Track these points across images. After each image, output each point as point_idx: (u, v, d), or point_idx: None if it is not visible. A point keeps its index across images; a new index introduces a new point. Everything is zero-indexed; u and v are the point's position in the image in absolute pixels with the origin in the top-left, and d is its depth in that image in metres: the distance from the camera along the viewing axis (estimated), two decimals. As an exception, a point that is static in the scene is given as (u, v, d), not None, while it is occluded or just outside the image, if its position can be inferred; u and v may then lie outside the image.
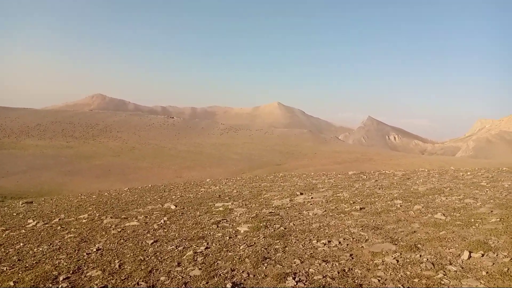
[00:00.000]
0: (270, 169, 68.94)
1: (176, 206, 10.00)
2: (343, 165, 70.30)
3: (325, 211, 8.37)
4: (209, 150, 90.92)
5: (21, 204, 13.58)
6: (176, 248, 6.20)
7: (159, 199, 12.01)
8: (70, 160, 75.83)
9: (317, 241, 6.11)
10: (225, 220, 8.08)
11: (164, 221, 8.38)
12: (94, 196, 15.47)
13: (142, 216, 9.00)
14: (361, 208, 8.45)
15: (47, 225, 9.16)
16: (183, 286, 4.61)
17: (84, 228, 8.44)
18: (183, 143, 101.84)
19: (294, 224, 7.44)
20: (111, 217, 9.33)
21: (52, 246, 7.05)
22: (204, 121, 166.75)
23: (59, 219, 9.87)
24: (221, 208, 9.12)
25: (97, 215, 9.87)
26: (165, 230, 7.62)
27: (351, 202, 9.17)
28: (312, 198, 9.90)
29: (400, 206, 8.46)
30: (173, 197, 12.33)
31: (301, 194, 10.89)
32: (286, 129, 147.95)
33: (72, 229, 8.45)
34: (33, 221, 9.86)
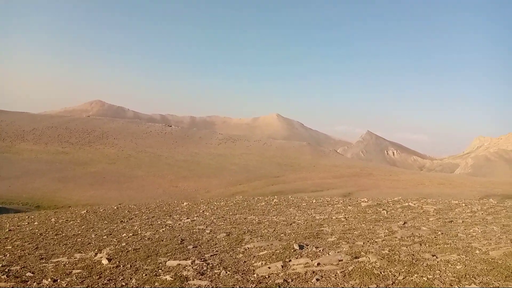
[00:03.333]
0: (268, 181, 68.48)
1: (109, 261, 6.47)
2: (342, 179, 69.89)
3: None
4: (206, 160, 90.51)
5: None
6: None
7: (104, 237, 9.01)
8: (65, 166, 75.05)
9: None
10: None
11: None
12: (36, 223, 12.75)
13: (49, 280, 5.61)
14: None
15: None
16: None
17: None
18: (180, 152, 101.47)
19: None
20: (6, 275, 6.02)
21: None
22: (203, 130, 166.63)
23: None
24: (169, 277, 5.39)
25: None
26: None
27: (388, 278, 5.00)
28: (318, 264, 5.72)
29: None
30: (123, 235, 9.06)
31: (300, 248, 6.79)
32: (284, 141, 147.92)
33: None
34: None
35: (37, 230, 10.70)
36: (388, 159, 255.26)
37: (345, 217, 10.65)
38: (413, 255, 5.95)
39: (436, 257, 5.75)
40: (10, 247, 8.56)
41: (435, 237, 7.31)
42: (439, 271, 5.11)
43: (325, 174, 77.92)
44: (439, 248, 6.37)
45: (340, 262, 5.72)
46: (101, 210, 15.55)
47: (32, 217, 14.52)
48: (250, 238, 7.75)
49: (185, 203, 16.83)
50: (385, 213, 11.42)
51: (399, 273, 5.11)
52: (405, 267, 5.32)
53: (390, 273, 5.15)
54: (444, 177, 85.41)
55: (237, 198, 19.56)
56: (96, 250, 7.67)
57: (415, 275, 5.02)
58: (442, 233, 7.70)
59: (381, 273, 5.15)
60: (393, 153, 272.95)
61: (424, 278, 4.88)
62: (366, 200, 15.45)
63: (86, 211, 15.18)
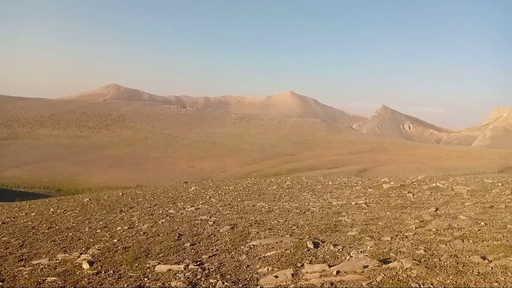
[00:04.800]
0: (283, 159, 67.75)
1: (91, 265, 5.57)
2: (358, 155, 68.59)
3: None
4: (222, 140, 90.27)
5: None
6: None
7: (98, 231, 8.07)
8: (84, 150, 76.14)
9: None
10: None
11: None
12: (33, 214, 11.86)
13: None
14: None
15: None
16: None
17: None
18: (195, 132, 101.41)
19: None
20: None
21: None
22: (217, 110, 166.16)
23: None
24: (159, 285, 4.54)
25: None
26: None
27: None
28: (337, 273, 4.39)
29: None
30: (118, 228, 8.04)
31: (315, 246, 5.58)
32: (299, 119, 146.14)
33: None
34: None
35: (30, 223, 9.98)
36: (404, 133, 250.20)
37: (366, 203, 9.29)
38: (457, 256, 4.58)
39: (488, 260, 4.34)
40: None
41: (478, 229, 5.85)
42: (497, 283, 3.71)
43: (341, 150, 76.68)
44: (487, 246, 4.93)
45: (365, 270, 4.42)
46: (105, 197, 14.79)
47: (33, 206, 13.84)
48: (257, 232, 6.65)
49: (192, 188, 15.86)
50: (411, 196, 9.92)
51: (445, 286, 3.78)
52: (451, 277, 3.97)
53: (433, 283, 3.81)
54: (462, 150, 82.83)
55: (248, 181, 18.34)
56: (83, 248, 6.84)
57: (462, 280, 3.77)
58: (486, 224, 6.25)
59: (420, 286, 3.80)
60: (409, 127, 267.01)
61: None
62: (387, 181, 13.78)
63: (89, 199, 14.43)
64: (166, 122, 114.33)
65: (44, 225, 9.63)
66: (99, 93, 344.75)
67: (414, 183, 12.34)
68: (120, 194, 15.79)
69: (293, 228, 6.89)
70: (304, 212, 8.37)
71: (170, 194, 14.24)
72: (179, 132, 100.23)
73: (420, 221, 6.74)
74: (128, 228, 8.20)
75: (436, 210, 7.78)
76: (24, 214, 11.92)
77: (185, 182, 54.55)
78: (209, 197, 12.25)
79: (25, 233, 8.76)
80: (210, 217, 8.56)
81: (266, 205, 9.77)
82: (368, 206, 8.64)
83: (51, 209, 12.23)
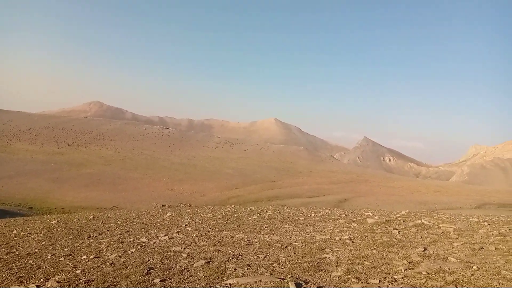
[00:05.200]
0: (264, 186, 67.10)
1: None
2: (338, 185, 68.76)
3: None
4: (203, 163, 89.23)
5: None
6: None
7: (61, 259, 7.25)
8: (60, 167, 73.71)
9: None
10: None
11: None
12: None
13: None
14: None
15: None
16: None
17: None
18: (176, 154, 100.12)
19: None
20: None
21: None
22: (200, 133, 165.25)
23: None
24: None
25: None
26: None
27: None
28: None
29: None
30: (83, 257, 7.24)
31: None
32: (282, 146, 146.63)
33: None
34: None
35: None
36: (384, 165, 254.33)
37: (350, 238, 8.87)
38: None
39: None
40: None
41: (472, 274, 5.52)
42: None
43: (322, 179, 76.87)
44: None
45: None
46: (75, 220, 13.80)
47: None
48: (235, 269, 6.08)
49: (168, 214, 15.01)
50: (397, 233, 9.49)
51: None
52: None
53: None
54: (440, 184, 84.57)
55: (227, 208, 17.57)
56: (41, 280, 6.12)
57: None
58: (478, 268, 5.92)
59: None
60: (390, 159, 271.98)
61: None
62: (371, 215, 13.32)
63: (57, 221, 13.44)
64: (147, 143, 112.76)
65: (4, 249, 8.78)
66: (81, 110, 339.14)
67: (399, 218, 11.96)
68: (91, 217, 14.85)
69: (273, 265, 6.34)
70: (286, 247, 7.83)
71: (144, 219, 13.39)
72: (159, 153, 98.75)
73: (409, 262, 6.34)
74: (94, 257, 7.48)
75: (424, 250, 7.37)
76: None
77: (162, 206, 53.14)
78: (185, 225, 11.50)
79: None
80: (184, 248, 7.91)
81: (246, 237, 9.15)
82: (353, 242, 8.19)
83: (15, 231, 11.28)
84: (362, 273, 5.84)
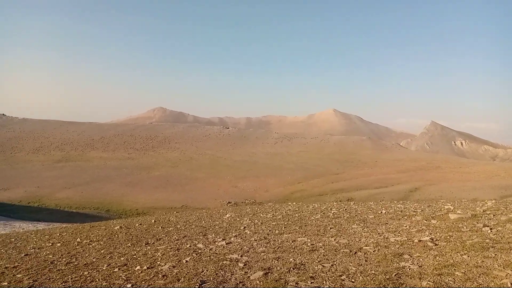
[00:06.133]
0: (327, 179, 65.27)
1: None
2: (407, 174, 64.69)
3: None
4: (264, 160, 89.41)
5: None
6: None
7: (115, 270, 6.96)
8: (131, 171, 78.43)
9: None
10: None
11: None
12: (58, 244, 10.94)
13: None
14: None
15: None
16: None
17: None
18: (238, 153, 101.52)
19: None
20: None
21: None
22: (259, 130, 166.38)
23: None
24: None
25: None
26: None
27: None
28: None
29: None
30: (137, 268, 6.84)
31: None
32: (343, 137, 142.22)
33: None
34: None
35: (51, 256, 9.15)
36: (456, 150, 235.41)
37: (432, 239, 7.44)
38: None
39: None
40: (6, 284, 7.07)
41: None
42: None
43: (388, 169, 72.90)
44: None
45: None
46: (137, 225, 13.80)
47: (64, 234, 13.24)
48: (296, 283, 5.24)
49: (227, 215, 14.50)
50: (489, 231, 7.83)
51: None
52: None
53: None
54: (523, 167, 75.19)
55: (289, 207, 16.61)
56: None
57: None
58: None
59: None
60: (462, 143, 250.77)
61: None
62: (452, 208, 11.36)
63: (120, 227, 13.56)
64: (210, 143, 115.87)
65: (64, 259, 8.82)
66: (146, 116, 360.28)
67: (488, 212, 10.09)
68: (153, 221, 14.90)
69: (342, 277, 5.37)
70: (356, 253, 6.71)
71: (203, 222, 13.04)
72: (222, 153, 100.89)
73: (516, 272, 5.00)
74: (148, 268, 7.11)
75: None
76: (50, 244, 11.27)
77: (229, 202, 53.78)
78: (244, 227, 10.80)
79: (41, 269, 7.99)
80: (241, 256, 7.23)
81: (309, 240, 8.06)
82: (436, 245, 6.81)
83: (78, 239, 11.54)
84: (454, 287, 4.69)
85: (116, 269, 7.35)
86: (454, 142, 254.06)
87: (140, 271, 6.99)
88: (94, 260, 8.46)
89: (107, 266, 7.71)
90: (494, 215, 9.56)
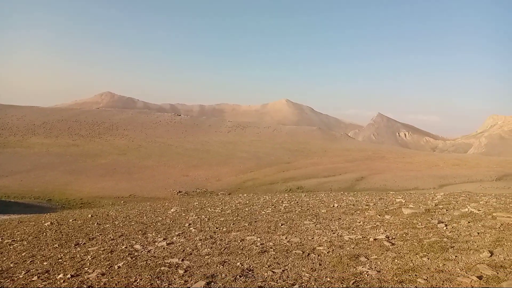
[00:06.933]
0: (279, 168, 65.81)
1: None
2: (354, 163, 67.08)
3: None
4: (216, 148, 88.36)
5: None
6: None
7: (34, 278, 5.96)
8: (76, 159, 73.80)
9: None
10: None
11: None
12: None
13: None
14: None
15: None
16: None
17: None
18: (190, 141, 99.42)
19: None
20: None
21: None
22: (212, 118, 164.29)
23: None
24: None
25: None
26: None
27: None
28: None
29: None
30: (59, 277, 5.86)
31: None
32: (295, 127, 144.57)
33: None
34: None
35: None
36: (400, 141, 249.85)
37: (387, 238, 7.08)
38: None
39: None
40: None
41: None
42: None
43: (337, 158, 75.28)
44: None
45: None
46: (70, 220, 12.44)
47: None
48: None
49: (172, 209, 13.48)
50: (445, 228, 7.54)
51: None
52: None
53: None
54: (458, 157, 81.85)
55: (239, 199, 15.84)
56: None
57: None
58: None
59: None
60: (405, 135, 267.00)
61: None
62: (404, 202, 11.33)
63: (50, 222, 12.08)
64: (160, 130, 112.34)
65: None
66: (92, 101, 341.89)
67: (440, 206, 9.92)
68: (89, 216, 13.50)
69: (294, 287, 4.75)
70: (309, 254, 6.13)
71: (144, 217, 11.93)
72: (173, 141, 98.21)
73: (478, 277, 4.66)
74: (72, 276, 6.03)
75: (491, 255, 5.53)
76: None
77: (179, 192, 52.22)
78: (189, 224, 9.90)
79: None
80: (182, 260, 6.37)
81: (258, 239, 7.45)
82: (392, 244, 6.38)
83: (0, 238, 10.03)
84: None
85: (35, 278, 6.22)
86: (398, 134, 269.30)
87: (62, 280, 5.94)
88: (11, 265, 7.21)
89: (25, 273, 6.53)
90: (447, 210, 9.50)
